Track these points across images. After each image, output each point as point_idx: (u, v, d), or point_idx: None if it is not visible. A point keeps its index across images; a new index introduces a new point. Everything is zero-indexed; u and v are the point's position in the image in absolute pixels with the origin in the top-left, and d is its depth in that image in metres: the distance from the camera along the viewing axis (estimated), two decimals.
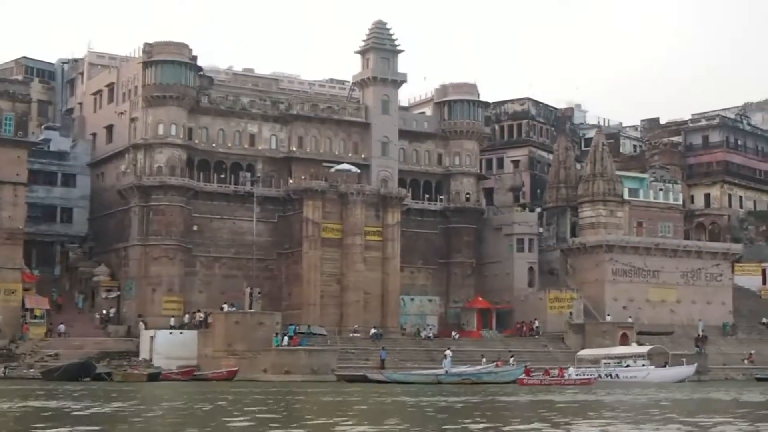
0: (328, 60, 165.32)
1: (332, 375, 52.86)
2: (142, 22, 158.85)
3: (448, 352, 56.20)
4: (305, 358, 53.63)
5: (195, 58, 70.09)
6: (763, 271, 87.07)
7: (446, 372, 52.50)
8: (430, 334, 68.05)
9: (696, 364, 59.68)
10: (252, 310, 58.21)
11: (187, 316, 63.70)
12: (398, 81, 75.34)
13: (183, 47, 69.15)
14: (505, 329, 74.25)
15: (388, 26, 75.86)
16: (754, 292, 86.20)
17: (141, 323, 63.18)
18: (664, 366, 60.06)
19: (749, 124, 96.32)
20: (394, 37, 75.71)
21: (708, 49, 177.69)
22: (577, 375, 51.91)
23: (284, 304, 69.59)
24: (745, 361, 72.27)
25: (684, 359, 60.72)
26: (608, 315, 72.14)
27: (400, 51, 75.51)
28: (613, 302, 74.84)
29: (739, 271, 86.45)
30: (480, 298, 75.38)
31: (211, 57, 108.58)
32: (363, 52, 75.48)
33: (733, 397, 38.25)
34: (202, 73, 72.31)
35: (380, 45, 74.88)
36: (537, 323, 71.32)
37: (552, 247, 78.90)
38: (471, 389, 42.60)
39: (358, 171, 71.60)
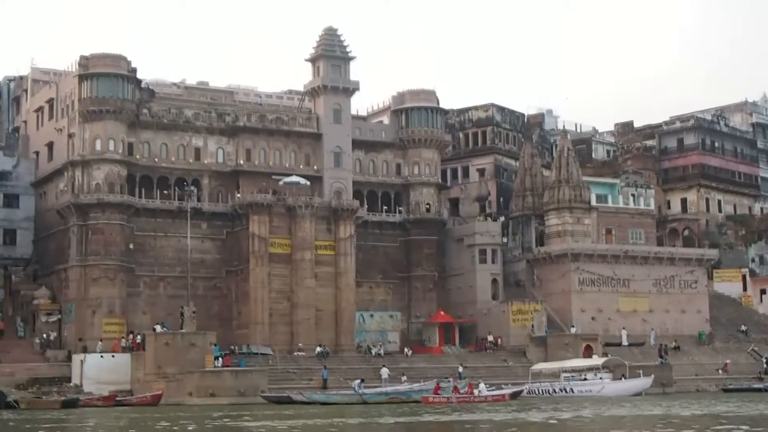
0: (286, 71, 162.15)
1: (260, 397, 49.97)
2: (87, 36, 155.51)
3: (384, 369, 53.38)
4: (231, 380, 50.73)
5: (134, 70, 67.45)
6: (743, 277, 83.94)
7: (355, 392, 49.54)
8: (381, 351, 65.03)
9: (652, 376, 56.47)
10: (183, 331, 55.26)
11: (123, 339, 60.79)
12: (350, 89, 72.58)
13: (120, 60, 66.51)
14: (468, 344, 71.28)
15: (339, 33, 73.16)
16: (734, 299, 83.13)
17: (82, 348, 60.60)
18: (621, 379, 57.02)
19: (727, 126, 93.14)
20: (345, 44, 73.00)
21: (686, 52, 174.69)
22: (489, 391, 48.60)
23: (234, 324, 67.03)
24: (720, 371, 69.20)
25: (641, 371, 57.58)
26: (573, 327, 69.07)
27: (352, 58, 72.81)
28: (581, 313, 71.82)
29: (718, 277, 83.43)
30: (442, 313, 72.37)
31: (164, 71, 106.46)
32: (313, 60, 72.79)
33: (670, 411, 35.50)
34: (143, 86, 69.59)
35: (330, 52, 72.17)
36: (491, 337, 68.36)
37: (518, 257, 75.94)
38: (389, 408, 40.14)
39: (308, 183, 68.86)
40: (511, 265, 75.97)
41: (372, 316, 72.40)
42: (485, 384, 50.16)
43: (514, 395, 50.47)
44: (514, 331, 69.68)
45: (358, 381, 51.24)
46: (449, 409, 39.03)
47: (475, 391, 48.02)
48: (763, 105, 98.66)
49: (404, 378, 54.91)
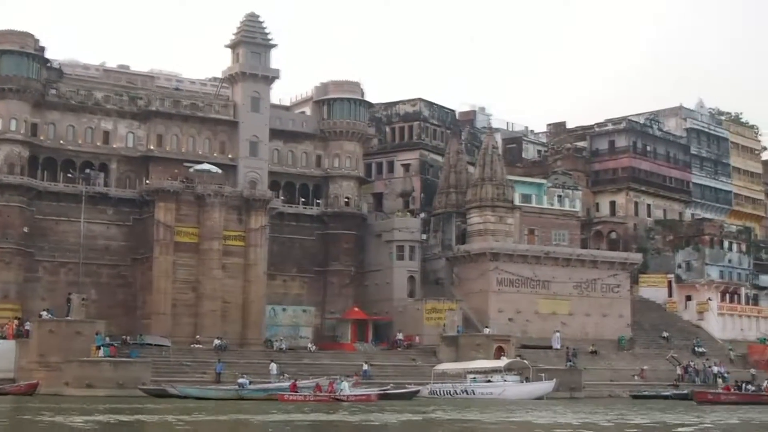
0: (210, 58, 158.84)
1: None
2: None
3: (273, 365, 51.50)
4: (111, 371, 48.50)
5: (42, 49, 65.26)
6: (669, 282, 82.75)
7: (241, 387, 47.76)
8: (283, 346, 63.08)
9: (555, 380, 54.87)
10: (69, 318, 53.04)
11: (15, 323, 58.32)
12: (270, 77, 70.60)
13: (26, 37, 64.21)
14: (383, 342, 69.50)
15: (261, 19, 71.23)
16: (658, 305, 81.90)
17: None
18: (524, 381, 55.42)
19: (660, 130, 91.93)
20: (267, 31, 71.06)
21: (623, 55, 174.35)
22: (351, 390, 46.65)
23: (138, 313, 64.96)
24: (636, 377, 67.88)
25: (543, 375, 56.03)
26: (487, 327, 67.40)
27: (273, 46, 70.90)
28: (498, 314, 70.22)
29: (644, 282, 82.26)
30: (356, 309, 70.58)
31: (87, 54, 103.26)
32: (233, 47, 70.82)
33: (537, 419, 33.90)
34: (54, 66, 67.32)
35: (251, 39, 70.19)
36: (401, 335, 66.69)
37: (438, 255, 74.29)
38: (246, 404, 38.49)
39: (220, 171, 66.83)
40: (431, 263, 74.37)
41: (284, 310, 70.40)
42: (348, 382, 47.95)
43: (397, 396, 48.78)
44: (428, 329, 67.87)
45: (245, 380, 49.38)
46: (294, 408, 37.11)
47: (336, 389, 45.82)
48: (699, 111, 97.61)
49: (285, 375, 52.89)
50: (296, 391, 45.02)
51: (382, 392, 48.37)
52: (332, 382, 46.38)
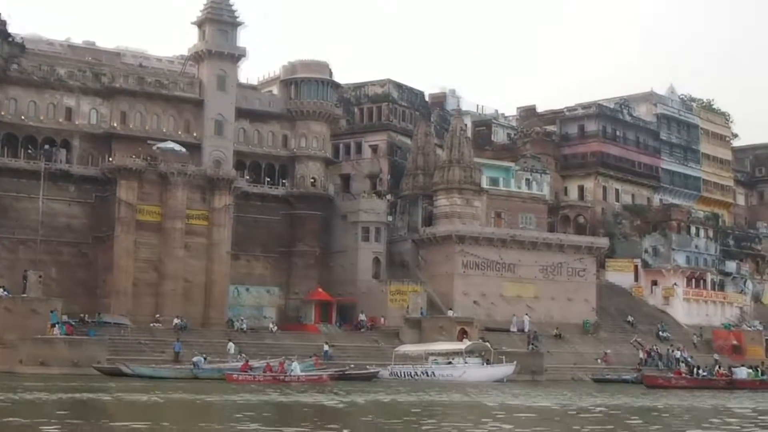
0: (179, 36, 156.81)
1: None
2: None
3: (230, 345, 51.10)
4: (65, 349, 48.07)
5: (4, 23, 64.33)
6: (636, 268, 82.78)
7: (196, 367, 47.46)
8: (244, 326, 62.65)
9: (515, 363, 54.73)
10: (25, 296, 52.44)
11: None
12: (236, 55, 69.82)
13: None
14: (347, 323, 69.16)
15: None
16: (625, 290, 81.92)
17: None
18: (485, 364, 55.23)
19: (630, 115, 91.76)
20: (234, 9, 70.34)
21: (596, 40, 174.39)
22: (303, 371, 46.28)
23: (99, 292, 64.28)
24: (599, 361, 67.85)
25: (504, 358, 55.86)
26: (451, 310, 67.18)
27: (240, 24, 70.13)
28: (463, 297, 70.02)
29: (611, 267, 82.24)
30: (320, 290, 70.13)
31: (53, 30, 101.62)
32: (200, 24, 70.05)
33: (478, 400, 33.67)
34: (16, 41, 66.41)
35: (218, 16, 69.49)
36: (362, 316, 66.41)
37: (404, 237, 73.97)
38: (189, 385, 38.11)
39: (184, 150, 66.18)
40: (398, 245, 74.06)
41: (248, 290, 70.08)
42: (299, 363, 47.57)
43: (356, 377, 48.60)
44: (393, 311, 67.74)
45: (200, 357, 49.02)
46: (241, 388, 36.74)
47: (287, 370, 45.39)
48: (670, 97, 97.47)
49: (243, 355, 52.44)
50: (247, 371, 44.57)
51: (336, 373, 48.04)
52: (282, 363, 45.93)
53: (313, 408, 27.22)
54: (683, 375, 53.39)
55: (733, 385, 50.79)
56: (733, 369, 53.34)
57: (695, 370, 54.23)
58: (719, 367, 55.45)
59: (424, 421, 23.41)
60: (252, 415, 23.28)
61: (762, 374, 54.95)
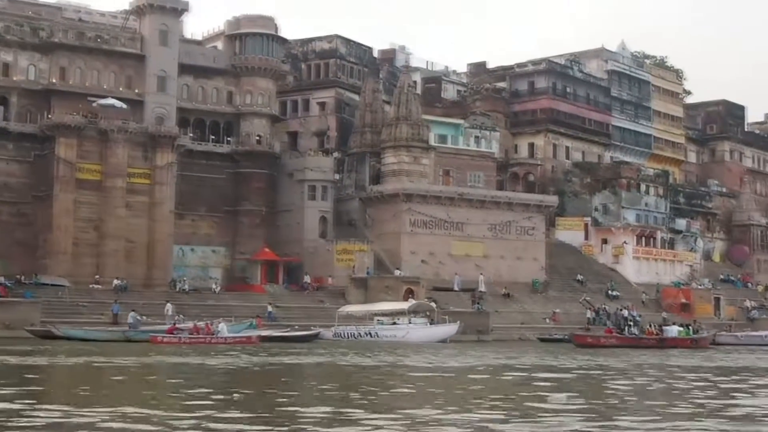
0: None
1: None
2: None
3: (168, 306, 50.05)
4: None
5: None
6: (586, 226, 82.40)
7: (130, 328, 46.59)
8: (186, 287, 61.63)
9: (459, 323, 54.16)
10: None
11: None
12: (179, 9, 68.20)
13: None
14: (294, 284, 68.28)
15: None
16: (575, 248, 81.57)
17: None
18: (429, 324, 54.65)
19: (581, 72, 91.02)
20: None
21: None
22: (230, 332, 45.46)
23: (38, 253, 62.92)
24: (548, 320, 67.57)
25: (447, 317, 55.30)
26: (398, 270, 66.53)
27: None
28: (411, 256, 69.33)
29: (561, 225, 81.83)
30: (267, 250, 69.14)
31: None
32: None
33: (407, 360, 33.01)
34: None
35: None
36: (308, 277, 65.62)
37: (351, 195, 73.06)
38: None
39: (125, 106, 64.68)
40: (345, 204, 73.16)
41: (193, 250, 68.98)
42: (227, 324, 46.79)
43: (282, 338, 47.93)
44: (339, 271, 66.94)
45: (134, 314, 48.11)
46: (161, 349, 35.97)
47: (213, 331, 44.44)
48: (621, 53, 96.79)
49: (181, 317, 51.44)
50: (174, 333, 43.64)
51: (269, 335, 47.33)
52: (208, 324, 45.00)
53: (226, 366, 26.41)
54: (614, 334, 52.79)
55: (663, 343, 50.28)
56: (664, 327, 52.71)
57: (627, 328, 53.55)
58: (649, 326, 54.71)
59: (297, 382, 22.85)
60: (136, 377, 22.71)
61: (695, 332, 54.54)
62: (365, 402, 17.96)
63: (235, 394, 18.73)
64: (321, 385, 22.63)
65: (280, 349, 38.60)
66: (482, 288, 68.12)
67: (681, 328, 53.72)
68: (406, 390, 21.16)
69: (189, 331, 43.85)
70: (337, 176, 72.82)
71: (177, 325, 46.12)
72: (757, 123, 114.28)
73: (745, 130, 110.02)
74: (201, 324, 45.03)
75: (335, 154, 74.60)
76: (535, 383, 23.66)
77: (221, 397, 18.35)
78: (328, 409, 16.06)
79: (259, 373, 26.51)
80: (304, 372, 27.27)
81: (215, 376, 24.86)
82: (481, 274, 69.37)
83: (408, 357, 35.02)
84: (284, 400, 18.46)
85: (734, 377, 27.46)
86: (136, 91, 67.06)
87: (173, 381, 23.09)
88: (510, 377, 26.04)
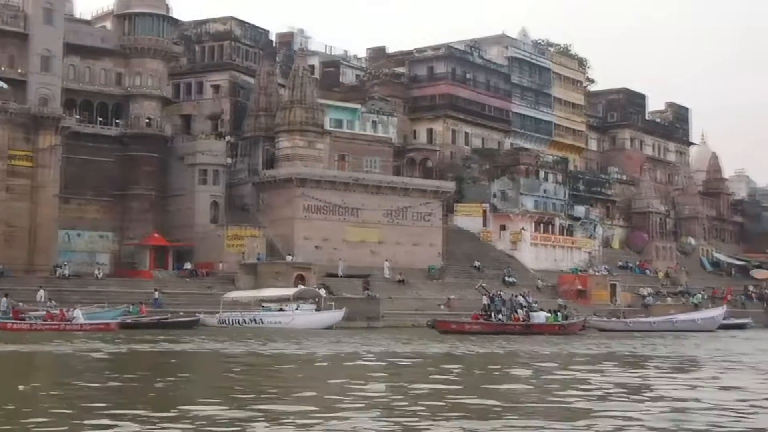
0: None
1: None
2: None
3: (41, 292, 48.23)
4: None
5: None
6: (484, 212, 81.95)
7: None
8: (66, 272, 59.73)
9: (344, 309, 53.17)
10: None
11: None
12: None
13: None
14: (184, 270, 66.63)
15: None
16: (473, 234, 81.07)
17: None
18: (316, 311, 53.61)
19: (481, 58, 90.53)
20: None
21: None
22: (86, 318, 43.94)
23: None
24: (442, 307, 66.81)
25: (333, 304, 54.30)
26: (290, 255, 65.33)
27: None
28: (304, 241, 68.17)
29: (459, 212, 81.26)
30: (156, 235, 67.43)
31: None
32: None
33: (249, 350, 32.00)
34: None
35: None
36: (189, 265, 64.17)
37: (244, 180, 71.63)
38: None
39: (7, 87, 62.41)
40: (238, 188, 71.76)
41: (80, 235, 67.01)
42: (80, 310, 45.18)
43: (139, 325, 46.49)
44: (230, 257, 65.45)
45: (5, 299, 46.25)
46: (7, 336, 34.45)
47: (70, 317, 42.87)
48: (522, 40, 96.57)
49: (53, 302, 49.61)
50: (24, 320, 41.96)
51: (154, 320, 45.84)
52: (63, 310, 43.35)
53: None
54: (479, 320, 51.72)
55: (529, 329, 49.43)
56: (530, 313, 51.99)
57: (493, 315, 52.41)
58: (515, 312, 53.67)
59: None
60: None
61: (564, 318, 53.99)
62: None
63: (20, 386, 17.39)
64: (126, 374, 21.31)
65: (141, 337, 37.12)
66: (387, 274, 67.35)
67: (549, 315, 52.88)
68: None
69: (43, 318, 42.05)
70: (230, 160, 71.38)
71: (50, 312, 44.31)
72: (657, 111, 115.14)
73: (646, 118, 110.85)
74: (55, 311, 43.24)
75: (229, 138, 73.12)
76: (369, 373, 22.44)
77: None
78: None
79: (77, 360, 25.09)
80: (141, 360, 25.86)
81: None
82: (387, 260, 68.52)
83: (276, 343, 33.95)
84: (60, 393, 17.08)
85: (557, 363, 26.05)
86: (19, 70, 64.70)
87: None
88: (350, 365, 24.92)
